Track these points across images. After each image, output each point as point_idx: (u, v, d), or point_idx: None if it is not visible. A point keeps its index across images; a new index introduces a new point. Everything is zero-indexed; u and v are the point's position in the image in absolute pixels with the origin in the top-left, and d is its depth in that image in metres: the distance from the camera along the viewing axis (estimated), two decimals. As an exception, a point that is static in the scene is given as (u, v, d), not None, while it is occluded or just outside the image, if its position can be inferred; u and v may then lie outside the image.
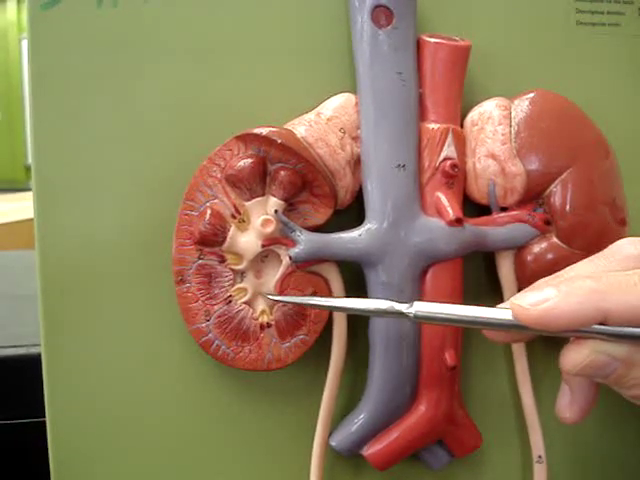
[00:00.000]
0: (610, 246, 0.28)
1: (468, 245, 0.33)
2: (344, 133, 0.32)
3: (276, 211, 0.31)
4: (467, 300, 0.34)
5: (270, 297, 0.32)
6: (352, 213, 0.33)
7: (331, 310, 0.32)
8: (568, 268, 0.28)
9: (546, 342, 0.37)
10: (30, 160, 0.33)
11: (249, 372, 0.33)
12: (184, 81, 0.33)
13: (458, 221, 0.32)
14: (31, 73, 0.32)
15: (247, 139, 0.31)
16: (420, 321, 0.28)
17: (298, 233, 0.32)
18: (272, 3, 0.34)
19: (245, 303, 0.32)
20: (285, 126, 0.32)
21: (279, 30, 0.34)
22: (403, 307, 0.28)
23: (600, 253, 0.28)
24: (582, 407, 0.29)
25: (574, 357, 0.26)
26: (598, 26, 0.38)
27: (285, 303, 0.32)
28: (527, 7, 0.37)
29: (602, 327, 0.25)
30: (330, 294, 0.33)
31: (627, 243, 0.28)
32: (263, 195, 0.32)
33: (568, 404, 0.30)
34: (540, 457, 0.36)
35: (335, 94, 0.33)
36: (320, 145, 0.32)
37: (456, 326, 0.29)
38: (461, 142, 0.34)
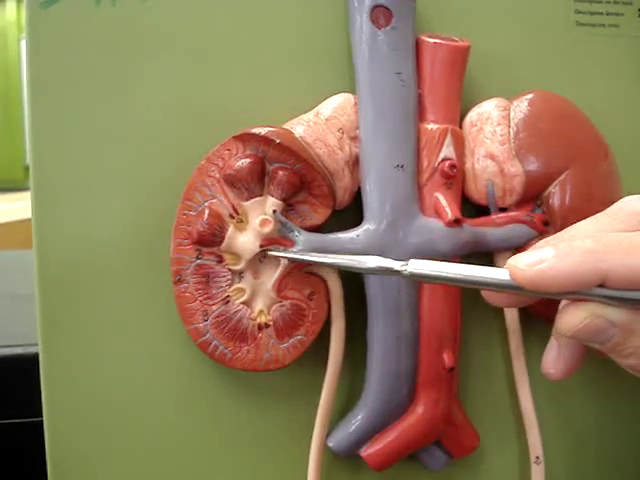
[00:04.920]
0: (616, 202, 0.27)
1: (466, 246, 0.33)
2: (343, 133, 0.32)
3: (274, 211, 0.31)
4: (465, 301, 0.34)
5: (271, 253, 0.31)
6: (351, 213, 0.33)
7: (326, 266, 0.31)
8: (570, 227, 0.27)
9: (544, 342, 0.37)
10: (28, 160, 0.33)
11: (247, 372, 0.33)
12: (183, 81, 0.33)
13: (457, 222, 0.32)
14: (29, 72, 0.32)
15: (245, 139, 0.31)
16: (415, 279, 0.27)
17: (296, 233, 0.32)
18: (271, 3, 0.34)
19: (243, 303, 0.32)
20: (284, 126, 0.32)
21: (278, 30, 0.34)
22: (397, 264, 0.27)
23: (605, 210, 0.27)
24: (568, 364, 0.28)
25: (570, 319, 0.25)
26: (597, 27, 0.38)
27: (283, 258, 0.31)
28: (526, 8, 0.37)
29: (603, 290, 0.24)
30: (328, 294, 0.33)
31: (634, 199, 0.26)
32: (261, 195, 0.32)
33: (554, 359, 0.28)
34: (538, 458, 0.36)
35: (334, 94, 0.33)
36: (319, 145, 0.32)
37: (452, 285, 0.28)
38: (460, 142, 0.34)
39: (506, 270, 0.26)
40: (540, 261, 0.24)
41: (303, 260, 0.31)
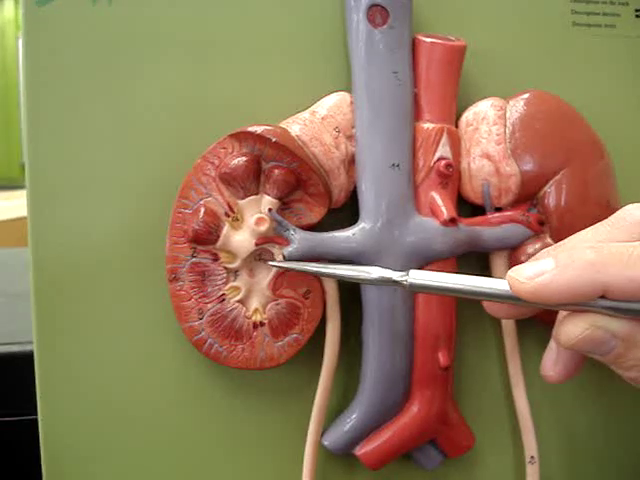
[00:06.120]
0: (618, 211, 0.26)
1: (462, 245, 0.33)
2: (339, 132, 0.32)
3: (270, 210, 0.31)
4: (461, 301, 0.34)
5: (271, 264, 0.32)
6: (346, 212, 0.33)
7: (326, 277, 0.31)
8: (572, 236, 0.27)
9: (540, 342, 0.37)
10: (25, 158, 0.33)
11: (242, 371, 0.33)
12: (178, 79, 0.33)
13: (452, 221, 0.32)
14: (25, 69, 0.32)
15: (241, 137, 0.31)
16: (415, 290, 0.27)
17: (292, 232, 0.32)
18: (268, 2, 0.34)
19: (238, 302, 0.32)
20: (280, 125, 0.32)
21: (275, 29, 0.34)
22: (396, 275, 0.28)
23: (607, 219, 0.26)
24: (567, 367, 0.28)
25: (570, 330, 0.25)
26: (594, 27, 0.38)
27: (285, 270, 0.32)
28: (523, 8, 0.37)
29: (604, 301, 0.24)
30: (324, 293, 0.33)
31: (635, 208, 0.26)
32: (257, 194, 0.32)
33: (553, 362, 0.28)
34: (533, 457, 0.36)
35: (330, 93, 0.33)
36: (314, 144, 0.32)
37: (452, 296, 0.28)
38: (456, 142, 0.34)
39: (506, 281, 0.26)
40: (540, 273, 0.24)
41: (303, 270, 0.31)
